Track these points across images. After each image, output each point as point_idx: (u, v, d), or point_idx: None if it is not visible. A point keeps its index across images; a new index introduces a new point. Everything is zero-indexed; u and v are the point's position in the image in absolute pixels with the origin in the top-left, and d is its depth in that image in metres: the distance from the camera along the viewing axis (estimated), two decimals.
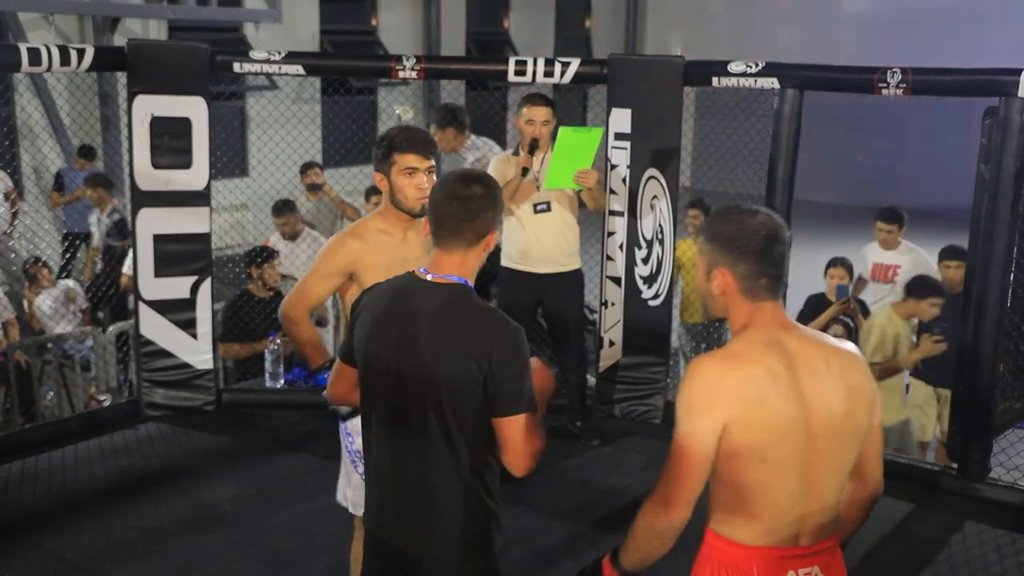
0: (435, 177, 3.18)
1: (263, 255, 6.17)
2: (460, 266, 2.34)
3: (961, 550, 4.11)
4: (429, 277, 2.35)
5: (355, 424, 3.22)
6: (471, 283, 2.36)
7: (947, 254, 5.67)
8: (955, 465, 4.61)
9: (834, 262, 5.95)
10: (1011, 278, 4.40)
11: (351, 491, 3.35)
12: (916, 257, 6.17)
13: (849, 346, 2.21)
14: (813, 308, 5.75)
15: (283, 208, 6.85)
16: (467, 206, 2.31)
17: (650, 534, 2.10)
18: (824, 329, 5.32)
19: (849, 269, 5.94)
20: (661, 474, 2.09)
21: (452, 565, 2.37)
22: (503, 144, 13.30)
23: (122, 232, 7.48)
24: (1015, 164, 4.23)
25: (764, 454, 2.04)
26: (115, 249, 7.46)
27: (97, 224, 8.01)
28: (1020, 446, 4.85)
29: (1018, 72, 4.13)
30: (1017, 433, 4.85)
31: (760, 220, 2.12)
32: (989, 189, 4.34)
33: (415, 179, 3.14)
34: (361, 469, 3.26)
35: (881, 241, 6.23)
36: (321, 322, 6.42)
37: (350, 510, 3.37)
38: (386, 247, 3.19)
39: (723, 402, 2.03)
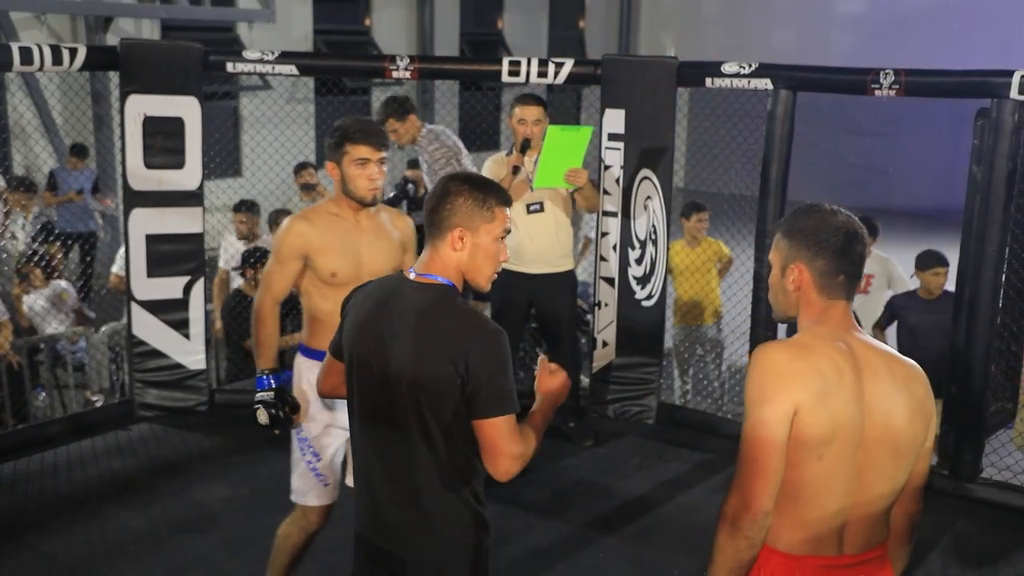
0: (385, 169, 3.24)
1: (256, 255, 6.15)
2: (439, 265, 2.33)
3: (953, 550, 4.12)
4: (413, 276, 2.36)
5: (314, 412, 3.29)
6: (456, 284, 2.34)
7: (928, 261, 5.40)
8: (947, 465, 4.62)
9: None
10: (1003, 279, 4.41)
11: (296, 479, 3.40)
12: (889, 266, 5.94)
13: (914, 363, 2.15)
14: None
15: (241, 206, 6.65)
16: (435, 199, 2.32)
17: (737, 542, 2.03)
18: None
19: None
20: (735, 475, 2.04)
21: (437, 566, 2.37)
22: (496, 145, 13.32)
23: (48, 236, 7.49)
24: (1007, 165, 4.24)
25: (822, 451, 1.99)
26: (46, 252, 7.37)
27: (22, 228, 7.97)
28: (1012, 446, 4.86)
29: (1010, 74, 4.15)
30: (1009, 433, 4.86)
31: (841, 219, 2.10)
32: (981, 190, 4.35)
33: (367, 170, 3.18)
34: (308, 458, 3.36)
35: None
36: None
37: (291, 497, 3.43)
38: (337, 230, 3.24)
39: (794, 387, 1.98)
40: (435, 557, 2.36)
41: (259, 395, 3.24)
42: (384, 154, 3.22)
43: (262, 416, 3.22)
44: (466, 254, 2.32)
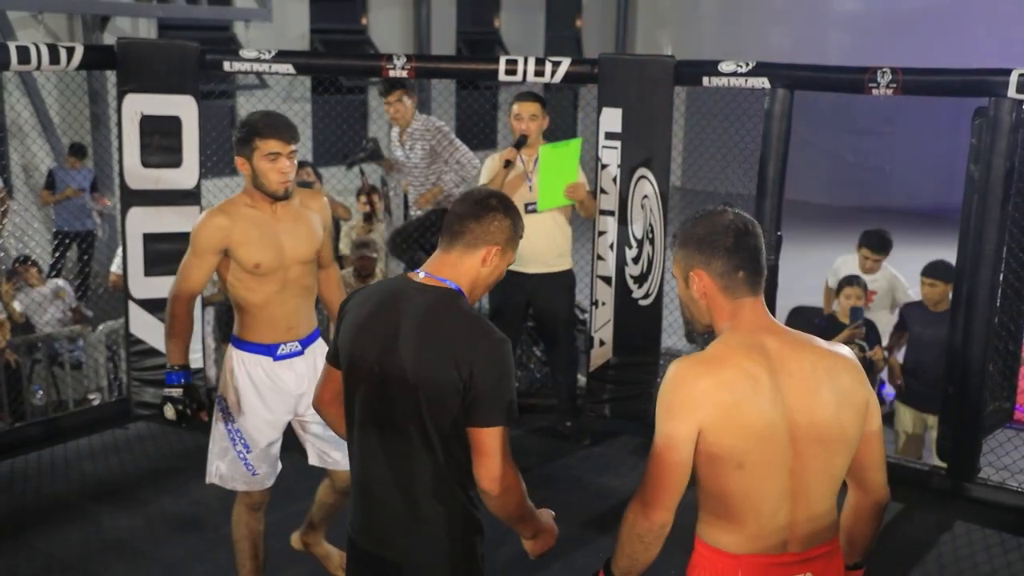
0: (296, 161, 3.27)
1: None
2: (453, 269, 2.32)
3: (951, 550, 4.12)
4: (422, 276, 2.34)
5: (249, 406, 3.33)
6: (463, 290, 2.33)
7: (926, 270, 5.33)
8: (945, 465, 4.62)
9: (850, 281, 5.57)
10: (1000, 278, 4.41)
11: (224, 466, 3.42)
12: (893, 282, 5.89)
13: (841, 349, 2.16)
14: (824, 331, 5.31)
15: None
16: (476, 208, 2.33)
17: (633, 540, 2.10)
18: None
19: (864, 288, 5.56)
20: (642, 478, 2.08)
21: (432, 570, 2.36)
22: (493, 144, 13.31)
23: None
24: (1004, 164, 4.24)
25: (741, 460, 2.01)
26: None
27: None
28: (1009, 446, 4.87)
29: (1008, 72, 4.14)
30: (1006, 433, 4.86)
31: (728, 218, 2.12)
32: (979, 189, 4.35)
33: (278, 163, 3.18)
34: (239, 448, 3.39)
35: (866, 269, 5.80)
36: None
37: (225, 486, 3.47)
38: (255, 221, 3.25)
39: (698, 407, 2.00)
40: (430, 562, 2.35)
41: (168, 391, 3.26)
42: (294, 147, 3.23)
43: (169, 412, 3.25)
44: (487, 270, 2.35)
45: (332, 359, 2.47)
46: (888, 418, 5.94)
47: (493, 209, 2.33)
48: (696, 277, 2.11)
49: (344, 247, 7.06)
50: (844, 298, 5.52)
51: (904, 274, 5.93)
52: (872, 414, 2.13)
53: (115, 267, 6.43)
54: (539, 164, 4.70)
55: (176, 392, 3.25)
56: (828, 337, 5.21)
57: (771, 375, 2.03)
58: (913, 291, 5.79)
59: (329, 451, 3.51)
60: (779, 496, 2.04)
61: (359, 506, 2.43)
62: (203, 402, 3.31)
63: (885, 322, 5.78)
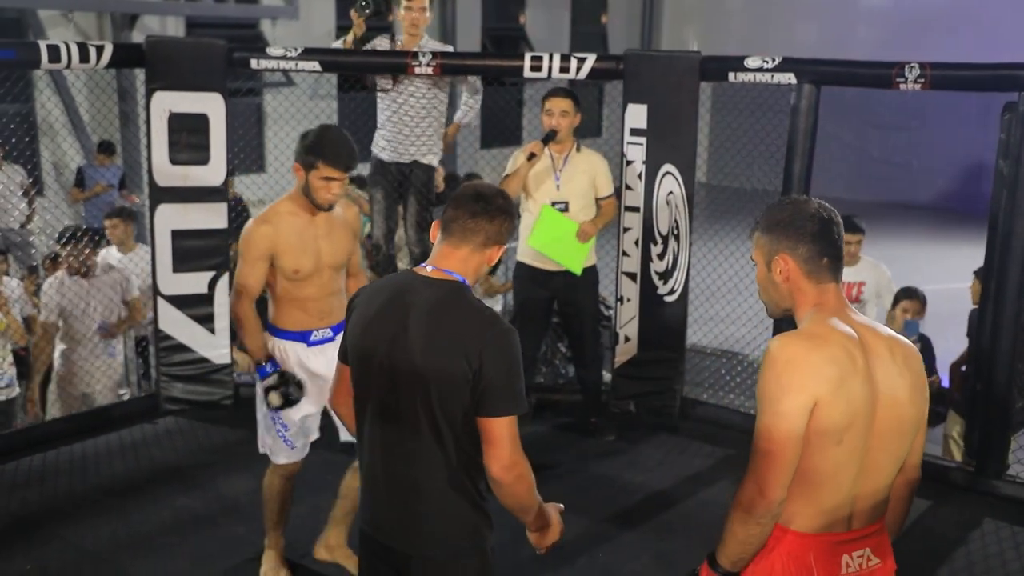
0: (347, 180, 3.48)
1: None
2: (462, 263, 2.36)
3: (979, 547, 4.08)
4: (429, 270, 2.36)
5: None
6: (469, 282, 2.37)
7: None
8: (973, 462, 4.58)
9: (908, 293, 5.37)
10: None
11: (268, 440, 3.70)
12: (880, 274, 5.64)
13: (906, 340, 2.21)
14: None
15: (114, 213, 6.48)
16: (488, 207, 2.35)
17: (749, 526, 2.10)
18: None
19: (923, 302, 5.36)
20: (751, 460, 2.08)
21: (442, 563, 2.37)
22: (519, 141, 13.29)
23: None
24: None
25: (841, 435, 2.05)
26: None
27: None
28: None
29: None
30: None
31: (813, 206, 2.17)
32: (1008, 184, 4.30)
33: (330, 186, 3.39)
34: (278, 427, 3.62)
35: (849, 254, 5.40)
36: None
37: (261, 450, 3.75)
38: (295, 227, 3.46)
39: (813, 380, 2.03)
40: (440, 555, 2.37)
41: (265, 383, 3.50)
42: (350, 175, 3.46)
43: (275, 400, 3.48)
44: (490, 265, 2.43)
45: (343, 357, 2.49)
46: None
47: (503, 212, 2.38)
48: (781, 261, 2.15)
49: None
50: (901, 311, 5.30)
51: (933, 271, 5.84)
52: (927, 400, 2.20)
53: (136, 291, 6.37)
54: (540, 219, 4.79)
55: (273, 380, 3.49)
56: None
57: (863, 355, 2.09)
58: (933, 287, 5.64)
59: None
60: (856, 473, 2.10)
61: (370, 499, 2.45)
62: (300, 381, 3.53)
63: (873, 315, 5.68)
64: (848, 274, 5.58)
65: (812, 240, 2.12)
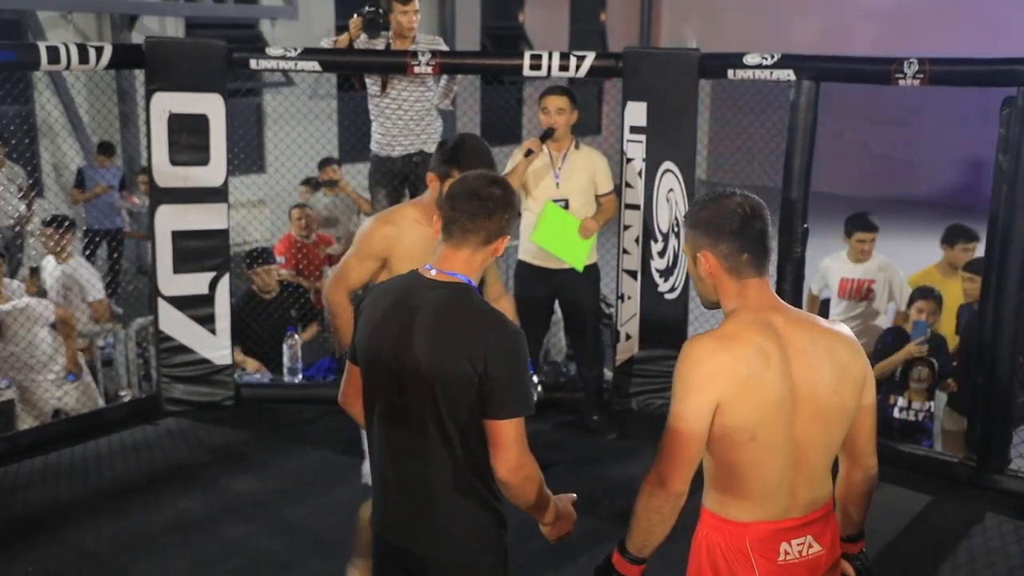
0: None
1: (257, 257, 6.16)
2: (466, 264, 2.33)
3: (982, 542, 4.08)
4: (433, 273, 2.34)
5: None
6: (475, 283, 2.35)
7: (969, 267, 5.21)
8: (974, 457, 4.57)
9: (924, 293, 5.24)
10: None
11: (365, 466, 3.41)
12: (891, 273, 5.66)
13: (840, 327, 2.26)
14: (889, 344, 5.21)
15: (52, 221, 6.30)
16: (485, 204, 2.31)
17: (650, 513, 2.17)
18: (906, 370, 5.04)
19: (939, 302, 5.22)
20: (657, 453, 2.15)
21: (455, 565, 2.37)
22: (518, 139, 13.26)
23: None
24: None
25: (754, 432, 2.10)
26: None
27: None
28: None
29: None
30: None
31: (735, 201, 2.18)
32: (1008, 179, 4.29)
33: None
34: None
35: (859, 252, 5.61)
36: None
37: (364, 481, 3.48)
38: (419, 236, 3.20)
39: (716, 381, 2.08)
40: (453, 556, 2.36)
41: None
42: None
43: None
44: (495, 256, 2.39)
45: (352, 357, 2.48)
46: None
47: (502, 205, 2.33)
48: (703, 258, 2.19)
49: None
50: (916, 311, 5.20)
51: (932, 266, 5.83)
52: (867, 389, 2.24)
53: (99, 294, 6.27)
54: (543, 214, 4.76)
55: None
56: (892, 351, 5.06)
57: (780, 350, 2.12)
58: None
59: None
60: (784, 465, 2.14)
61: (382, 501, 2.44)
62: None
63: (883, 310, 5.68)
64: (857, 272, 5.62)
65: (732, 237, 2.15)
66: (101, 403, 5.62)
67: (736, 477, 2.15)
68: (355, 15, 5.32)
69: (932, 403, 5.12)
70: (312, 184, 7.77)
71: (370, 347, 2.36)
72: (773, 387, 2.10)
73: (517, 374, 2.24)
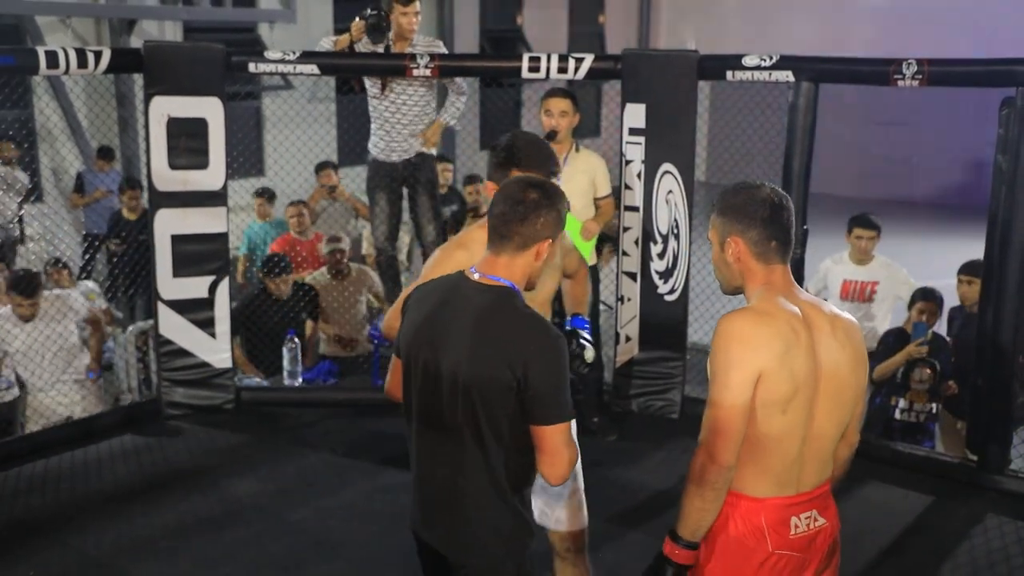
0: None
1: (274, 267, 6.19)
2: (507, 269, 2.33)
3: (983, 543, 4.08)
4: (476, 277, 2.35)
5: None
6: (519, 288, 2.35)
7: (966, 269, 5.25)
8: (975, 457, 4.58)
9: (924, 295, 5.27)
10: None
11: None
12: (894, 272, 5.69)
13: (848, 315, 2.37)
14: (890, 345, 5.24)
15: (53, 261, 6.50)
16: (516, 209, 2.31)
17: (704, 490, 2.22)
18: (907, 371, 5.06)
19: (939, 303, 5.26)
20: (702, 431, 2.21)
21: (483, 569, 2.38)
22: None
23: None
24: None
25: (785, 406, 2.19)
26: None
27: None
28: None
29: None
30: None
31: (765, 191, 2.30)
32: (1007, 179, 4.30)
33: None
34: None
35: (861, 250, 5.65)
36: None
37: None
38: None
39: (758, 354, 2.17)
40: (480, 561, 2.38)
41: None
42: (554, 180, 2.90)
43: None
44: (541, 261, 2.37)
45: (397, 351, 2.49)
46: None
47: (537, 206, 2.31)
48: (733, 243, 2.29)
49: (367, 247, 7.06)
50: (917, 312, 5.24)
51: (933, 268, 5.84)
52: (867, 372, 2.39)
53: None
54: None
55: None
56: (893, 352, 5.07)
57: (806, 329, 2.23)
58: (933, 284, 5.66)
59: (550, 509, 3.13)
60: (802, 440, 2.25)
61: (417, 500, 2.47)
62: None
63: (886, 312, 5.69)
64: (860, 273, 5.65)
65: (762, 224, 2.26)
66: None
67: (761, 451, 2.22)
68: (357, 18, 5.31)
69: (934, 405, 5.12)
70: (267, 195, 7.71)
71: (411, 346, 2.38)
72: (803, 363, 2.20)
73: (559, 380, 2.26)
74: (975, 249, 4.95)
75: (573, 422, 2.33)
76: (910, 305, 5.35)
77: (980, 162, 12.40)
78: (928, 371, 5.04)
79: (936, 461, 4.75)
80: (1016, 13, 14.00)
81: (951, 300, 5.51)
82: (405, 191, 5.70)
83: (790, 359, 2.18)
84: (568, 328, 3.03)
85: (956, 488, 4.52)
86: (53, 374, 5.42)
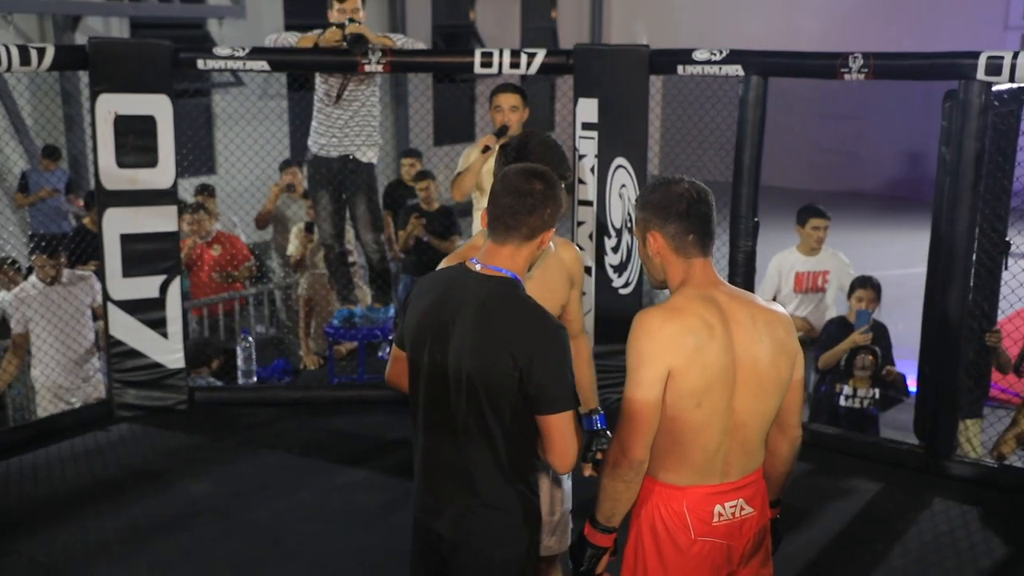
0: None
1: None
2: (510, 260, 2.36)
3: (930, 526, 4.17)
4: (478, 268, 2.37)
5: None
6: (521, 278, 2.38)
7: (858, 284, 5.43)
8: (922, 443, 4.67)
9: (862, 282, 5.40)
10: (973, 258, 4.46)
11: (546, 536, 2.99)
12: (839, 261, 5.80)
13: (776, 306, 2.41)
14: (833, 334, 5.34)
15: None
16: (524, 200, 2.34)
17: (615, 482, 2.30)
18: (850, 358, 5.19)
19: (877, 290, 5.39)
20: (617, 425, 2.29)
21: (489, 553, 2.41)
22: (471, 137, 13.25)
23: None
24: (975, 146, 4.28)
25: (700, 399, 2.24)
26: None
27: None
28: (985, 423, 4.92)
29: (976, 55, 4.18)
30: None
31: (683, 186, 2.34)
32: (951, 171, 4.39)
33: None
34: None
35: (815, 240, 5.71)
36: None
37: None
38: None
39: (668, 350, 2.23)
40: (487, 544, 2.40)
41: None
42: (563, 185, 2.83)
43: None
44: (541, 249, 2.42)
45: (399, 342, 2.53)
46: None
47: (545, 199, 2.35)
48: (652, 238, 2.35)
49: (292, 248, 6.78)
50: (856, 300, 5.38)
51: (882, 257, 5.95)
52: (798, 365, 2.40)
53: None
54: None
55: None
56: (836, 341, 5.18)
57: (723, 323, 2.27)
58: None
59: (543, 536, 2.94)
60: (722, 432, 2.29)
61: (422, 487, 2.48)
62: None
63: (833, 304, 5.80)
64: (811, 264, 5.74)
65: (679, 219, 2.30)
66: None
67: (679, 443, 2.29)
68: (335, 26, 5.16)
69: (876, 390, 5.25)
70: (192, 208, 7.37)
71: (416, 340, 2.40)
72: (717, 357, 2.24)
73: (561, 369, 2.29)
74: (921, 239, 5.06)
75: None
76: (849, 294, 5.47)
77: (925, 154, 12.62)
78: (870, 357, 5.19)
79: (885, 448, 4.84)
80: (958, 7, 14.28)
81: (893, 290, 5.62)
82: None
83: (702, 354, 2.22)
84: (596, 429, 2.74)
85: (904, 474, 4.61)
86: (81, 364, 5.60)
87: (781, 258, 5.89)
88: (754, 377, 2.29)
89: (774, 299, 5.79)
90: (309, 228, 6.56)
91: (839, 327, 5.37)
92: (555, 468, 2.36)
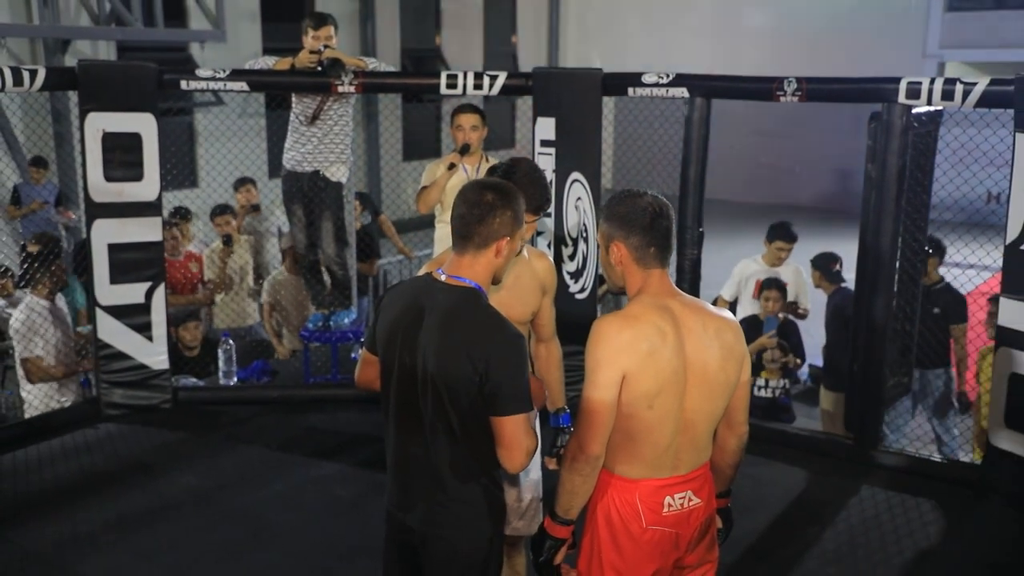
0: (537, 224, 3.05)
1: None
2: (470, 269, 2.35)
3: (858, 512, 4.23)
4: (444, 278, 2.37)
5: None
6: (483, 288, 2.36)
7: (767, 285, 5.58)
8: (852, 435, 4.74)
9: (768, 284, 5.55)
10: (897, 266, 4.53)
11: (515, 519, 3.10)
12: (797, 274, 5.89)
13: (726, 313, 2.44)
14: (745, 332, 5.51)
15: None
16: (473, 211, 2.33)
17: (573, 476, 2.31)
18: (760, 353, 5.35)
19: (783, 290, 5.54)
20: (576, 424, 2.30)
21: (456, 544, 2.41)
22: (437, 153, 13.25)
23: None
24: (897, 163, 4.36)
25: (652, 401, 2.25)
26: None
27: None
28: (908, 415, 4.99)
29: (897, 81, 4.26)
30: (905, 404, 4.99)
31: (647, 200, 2.34)
32: (876, 186, 4.46)
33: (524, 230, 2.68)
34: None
35: (780, 260, 5.82)
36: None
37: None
38: (513, 274, 2.93)
39: (623, 355, 2.23)
40: (454, 535, 2.40)
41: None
42: (540, 217, 2.96)
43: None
44: (502, 258, 2.38)
45: (370, 347, 2.51)
46: (807, 397, 6.08)
47: (492, 207, 2.32)
48: (615, 248, 2.35)
49: (209, 272, 6.51)
50: (764, 300, 5.52)
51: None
52: (745, 367, 2.43)
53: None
54: None
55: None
56: (748, 340, 5.31)
57: (675, 330, 2.28)
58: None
59: (512, 519, 3.07)
60: (673, 431, 2.31)
61: (394, 482, 2.48)
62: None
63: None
64: (771, 275, 5.80)
65: (642, 232, 2.31)
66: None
67: (632, 441, 2.29)
68: (310, 51, 5.10)
69: (786, 380, 5.44)
70: (167, 225, 7.09)
71: (387, 346, 2.40)
72: (669, 362, 2.25)
73: (518, 375, 2.28)
74: (850, 248, 5.14)
75: (536, 415, 2.36)
76: (759, 293, 5.62)
77: (853, 170, 12.82)
78: (778, 351, 5.36)
79: (817, 439, 4.91)
80: (882, 37, 14.54)
81: (819, 295, 5.79)
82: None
83: (655, 359, 2.23)
84: (562, 427, 3.09)
85: (834, 462, 4.67)
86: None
87: (745, 265, 5.96)
88: (704, 380, 2.30)
89: (736, 302, 5.92)
90: (227, 242, 6.37)
91: (751, 326, 5.46)
92: (505, 467, 2.33)
